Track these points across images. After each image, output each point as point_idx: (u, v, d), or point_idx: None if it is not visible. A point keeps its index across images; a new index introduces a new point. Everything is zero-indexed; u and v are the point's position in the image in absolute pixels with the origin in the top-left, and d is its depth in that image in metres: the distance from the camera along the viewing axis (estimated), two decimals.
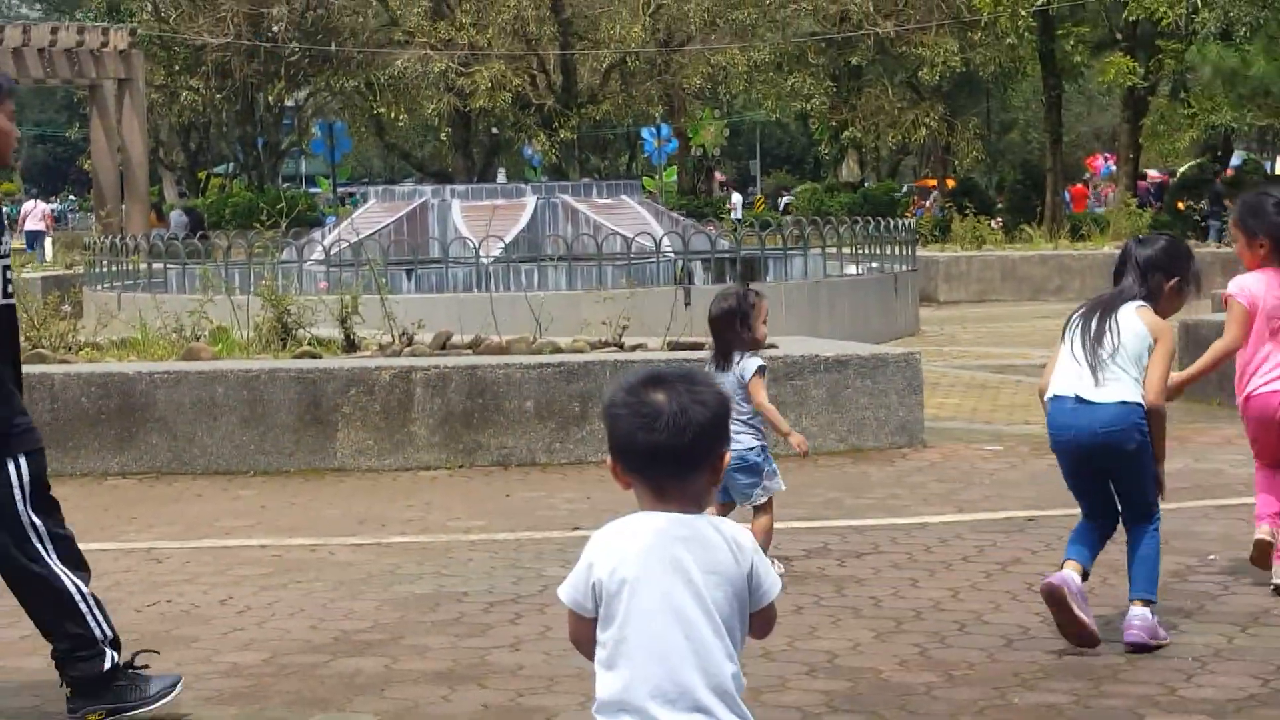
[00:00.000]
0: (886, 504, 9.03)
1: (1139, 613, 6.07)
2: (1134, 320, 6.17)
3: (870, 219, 23.68)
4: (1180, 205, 35.43)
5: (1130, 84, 36.44)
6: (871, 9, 42.44)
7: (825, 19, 44.35)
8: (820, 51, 45.25)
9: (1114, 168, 45.07)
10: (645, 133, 54.92)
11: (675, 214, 26.62)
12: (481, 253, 19.86)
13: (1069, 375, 6.17)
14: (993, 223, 33.42)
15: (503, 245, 20.76)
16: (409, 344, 11.77)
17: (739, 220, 38.60)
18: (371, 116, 49.38)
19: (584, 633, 3.39)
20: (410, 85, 46.21)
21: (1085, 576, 6.08)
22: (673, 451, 3.29)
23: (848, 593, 7.05)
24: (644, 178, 52.66)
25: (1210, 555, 7.58)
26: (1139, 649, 6.01)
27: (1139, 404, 6.09)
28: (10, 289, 5.54)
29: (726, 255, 21.14)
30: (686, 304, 16.95)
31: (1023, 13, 35.93)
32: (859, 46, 43.86)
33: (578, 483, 9.75)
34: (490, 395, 10.61)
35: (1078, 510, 8.52)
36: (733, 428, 6.94)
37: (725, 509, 7.11)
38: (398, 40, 46.41)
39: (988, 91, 53.88)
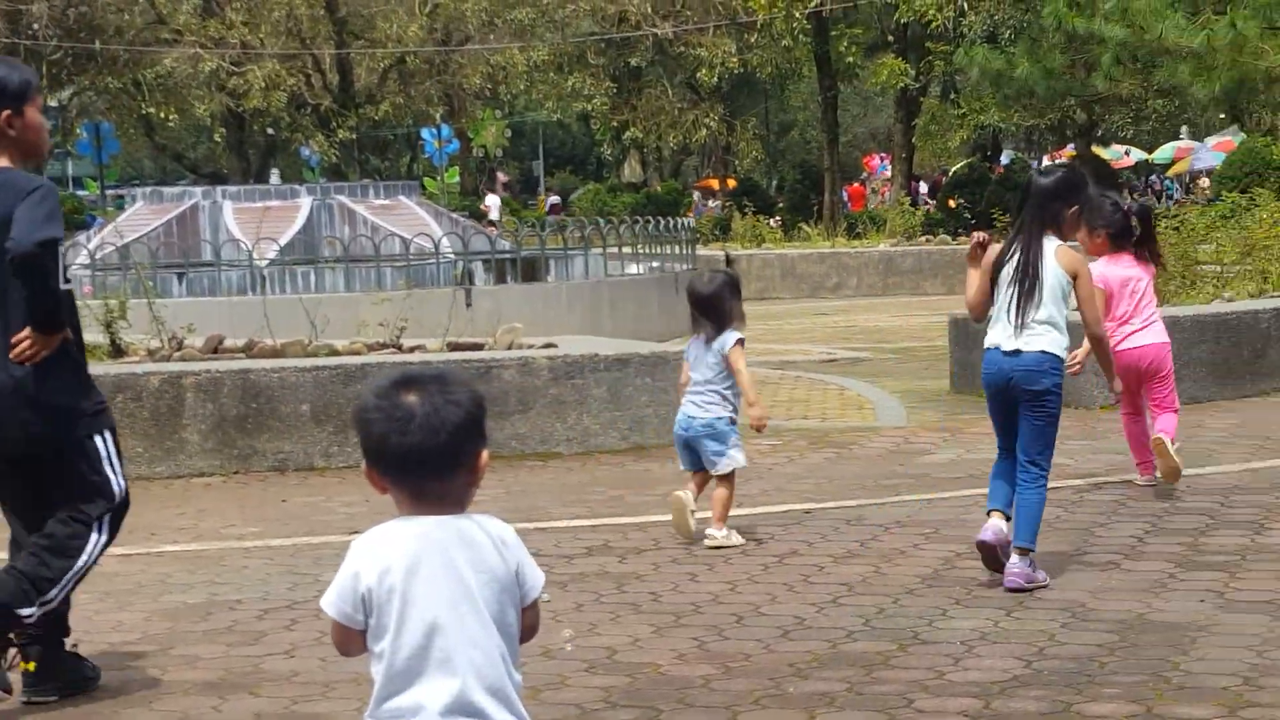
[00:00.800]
0: (668, 501, 9.04)
1: (1016, 561, 6.78)
2: (1053, 264, 6.88)
3: (651, 219, 23.81)
4: (951, 203, 36.15)
5: (902, 85, 37.17)
6: (650, 10, 42.71)
7: (604, 19, 44.53)
8: (600, 52, 45.44)
9: (889, 167, 45.88)
10: (426, 133, 54.58)
11: (456, 215, 26.49)
12: (255, 255, 19.55)
13: (1001, 332, 6.99)
14: (771, 221, 33.82)
15: (277, 248, 20.47)
16: (179, 349, 11.52)
17: (495, 222, 38.57)
18: (140, 117, 48.37)
19: (353, 643, 3.34)
20: (180, 85, 45.38)
21: (1008, 517, 6.95)
22: (428, 453, 3.25)
23: (628, 589, 7.07)
24: (425, 179, 52.33)
25: None
26: (1017, 591, 6.67)
27: (1056, 355, 6.93)
28: (68, 275, 5.71)
29: (507, 256, 21.09)
30: (468, 304, 16.87)
31: (797, 15, 36.44)
32: (638, 47, 44.12)
33: (356, 486, 9.62)
34: (265, 399, 10.45)
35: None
36: (706, 398, 7.79)
37: (702, 478, 7.88)
38: (165, 38, 45.49)
39: (766, 92, 54.59)
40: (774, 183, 53.82)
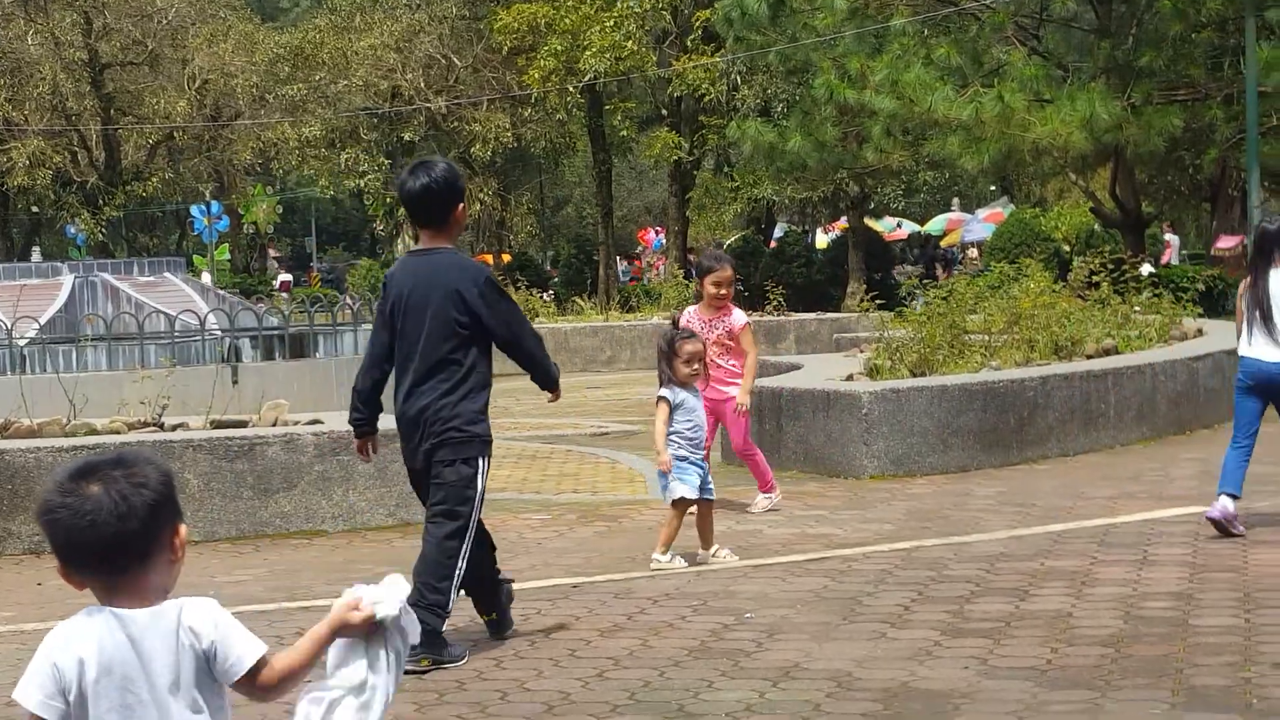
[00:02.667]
0: None
1: (1224, 502, 8.97)
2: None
3: None
4: None
5: (677, 158, 37.47)
6: (423, 85, 42.58)
7: (377, 95, 44.27)
8: (373, 127, 45.14)
9: (664, 240, 46.21)
10: (195, 210, 53.69)
11: (224, 292, 25.99)
12: (15, 334, 18.94)
13: (1259, 343, 9.09)
14: (544, 296, 33.78)
15: (37, 326, 19.86)
16: None
17: (287, 296, 38.03)
18: None
19: None
20: None
21: (1235, 498, 8.98)
22: (121, 544, 3.08)
23: None
24: (195, 256, 51.42)
25: (747, 613, 7.67)
26: (1216, 525, 8.94)
27: None
28: None
29: (275, 332, 20.70)
30: (234, 381, 16.49)
31: (571, 89, 36.61)
32: (411, 122, 43.91)
33: None
34: (20, 480, 10.09)
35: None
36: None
37: (702, 504, 8.95)
38: None
39: (540, 167, 54.68)
40: (549, 257, 53.91)
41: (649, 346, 27.30)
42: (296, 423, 11.26)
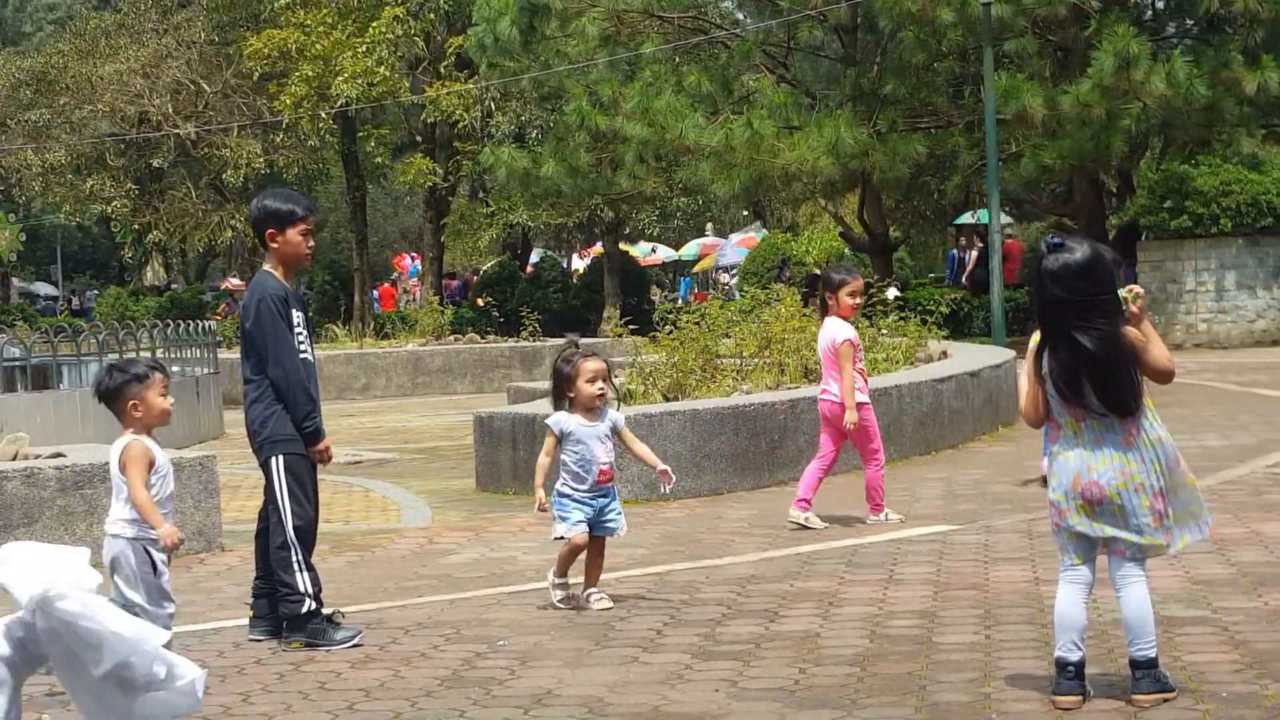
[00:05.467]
0: (181, 611, 8.65)
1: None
2: None
3: (173, 322, 23.11)
4: (480, 301, 36.41)
5: (431, 184, 37.31)
6: (171, 110, 41.78)
7: (124, 120, 43.32)
8: (120, 153, 44.15)
9: (420, 266, 45.96)
10: None
11: None
12: None
13: None
14: None
15: None
16: None
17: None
18: None
19: None
20: None
21: None
22: None
23: None
24: None
25: (500, 641, 7.64)
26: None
27: None
28: None
29: (17, 363, 20.10)
30: None
31: (324, 115, 36.22)
32: (160, 148, 43.04)
33: None
34: None
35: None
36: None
37: (592, 541, 8.35)
38: None
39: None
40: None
41: (404, 373, 27.13)
42: (38, 456, 10.94)
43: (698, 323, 15.46)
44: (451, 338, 30.07)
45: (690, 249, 58.12)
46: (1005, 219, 41.61)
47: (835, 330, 10.60)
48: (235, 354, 27.79)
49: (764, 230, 49.88)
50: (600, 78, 28.00)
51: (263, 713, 6.52)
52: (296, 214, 7.89)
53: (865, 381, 10.96)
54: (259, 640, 7.84)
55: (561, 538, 8.32)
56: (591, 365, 8.35)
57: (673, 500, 11.97)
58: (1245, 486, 11.47)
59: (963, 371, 15.14)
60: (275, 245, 7.90)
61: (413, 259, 55.45)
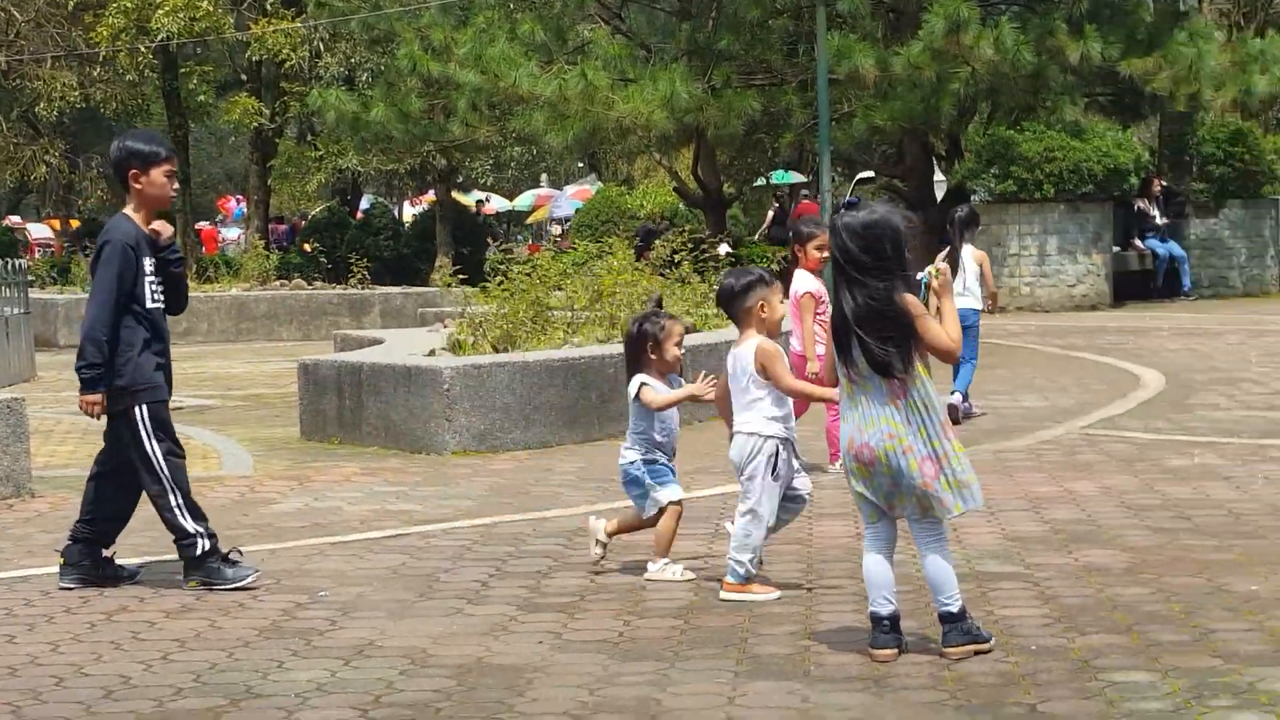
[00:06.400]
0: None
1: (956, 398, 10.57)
2: None
3: None
4: (308, 247, 35.90)
5: (257, 125, 36.64)
6: None
7: None
8: None
9: (246, 209, 45.25)
10: None
11: None
12: None
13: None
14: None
15: None
16: None
17: None
18: None
19: None
20: None
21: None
22: None
23: None
24: None
25: (321, 591, 7.55)
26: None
27: None
28: None
29: None
30: None
31: (143, 49, 35.33)
32: None
33: None
34: None
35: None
36: (626, 442, 7.89)
37: (645, 521, 7.78)
38: None
39: (112, 129, 52.77)
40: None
41: (227, 318, 26.70)
42: None
43: (529, 274, 15.39)
44: (278, 283, 29.64)
45: (525, 199, 57.89)
46: (799, 179, 42.05)
47: (799, 283, 10.71)
48: (50, 295, 27.19)
49: (599, 183, 49.82)
50: (432, 22, 27.67)
51: (72, 663, 6.38)
52: (160, 155, 7.84)
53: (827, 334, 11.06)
54: (69, 589, 7.68)
55: (675, 502, 7.77)
56: (679, 328, 7.95)
57: (501, 452, 11.92)
58: (1061, 446, 11.70)
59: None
60: (139, 186, 7.83)
61: (238, 201, 54.61)
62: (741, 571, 7.19)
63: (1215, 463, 10.75)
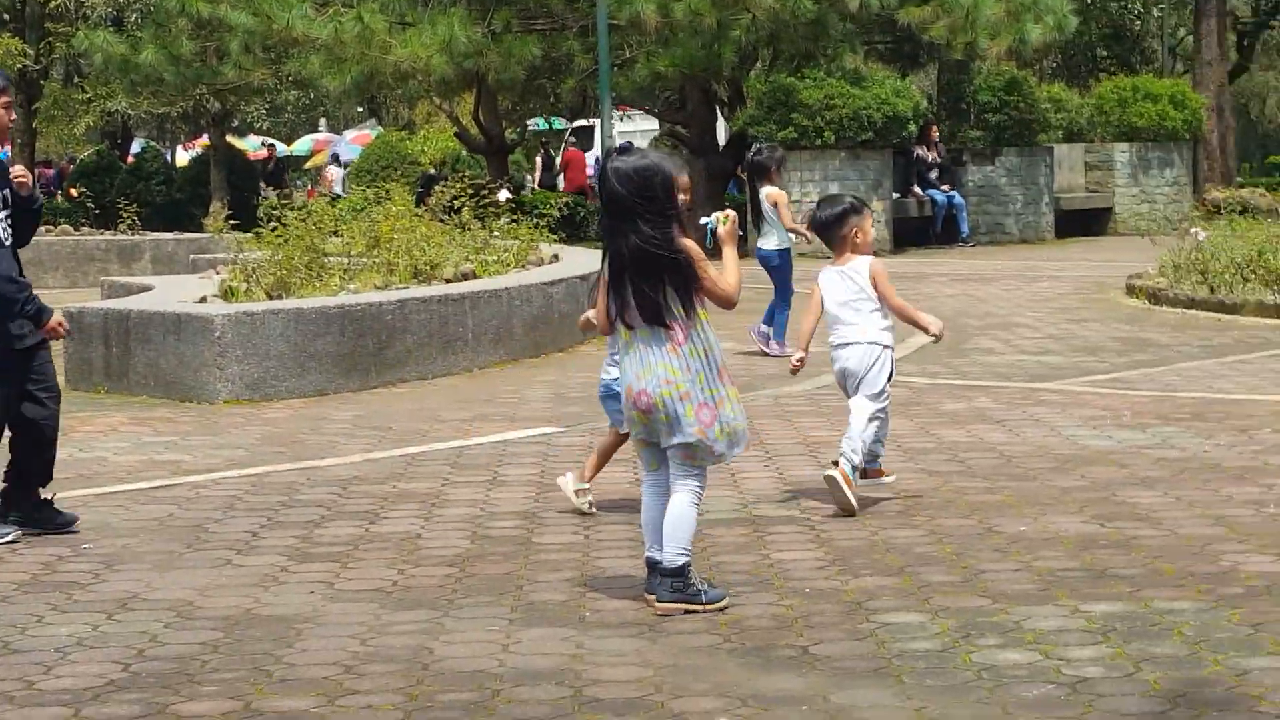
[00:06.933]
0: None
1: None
2: None
3: None
4: (74, 192, 34.90)
5: (21, 66, 35.48)
6: None
7: None
8: None
9: (9, 152, 43.84)
10: None
11: None
12: None
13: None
14: None
15: None
16: None
17: None
18: None
19: None
20: None
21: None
22: None
23: None
24: None
25: (85, 544, 7.32)
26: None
27: None
28: None
29: None
30: None
31: None
32: None
33: None
34: None
35: None
36: (609, 360, 7.54)
37: (623, 437, 7.55)
38: None
39: None
40: None
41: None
42: None
43: (304, 220, 15.11)
44: (43, 229, 28.75)
45: (303, 144, 57.01)
46: (565, 126, 41.89)
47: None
48: None
49: (379, 127, 49.24)
50: None
51: None
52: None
53: None
54: None
55: None
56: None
57: (275, 401, 11.70)
58: (840, 391, 11.79)
59: (573, 275, 15.17)
60: None
61: (2, 145, 52.92)
62: (872, 457, 7.97)
63: (988, 406, 10.94)
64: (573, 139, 40.92)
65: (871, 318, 7.92)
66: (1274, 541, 6.93)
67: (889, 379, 7.96)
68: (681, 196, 6.14)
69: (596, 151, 42.26)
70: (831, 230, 8.00)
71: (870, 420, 7.87)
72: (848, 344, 7.94)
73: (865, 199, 26.00)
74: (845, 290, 7.94)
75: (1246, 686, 5.06)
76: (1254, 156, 61.72)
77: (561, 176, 38.54)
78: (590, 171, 37.06)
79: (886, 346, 7.94)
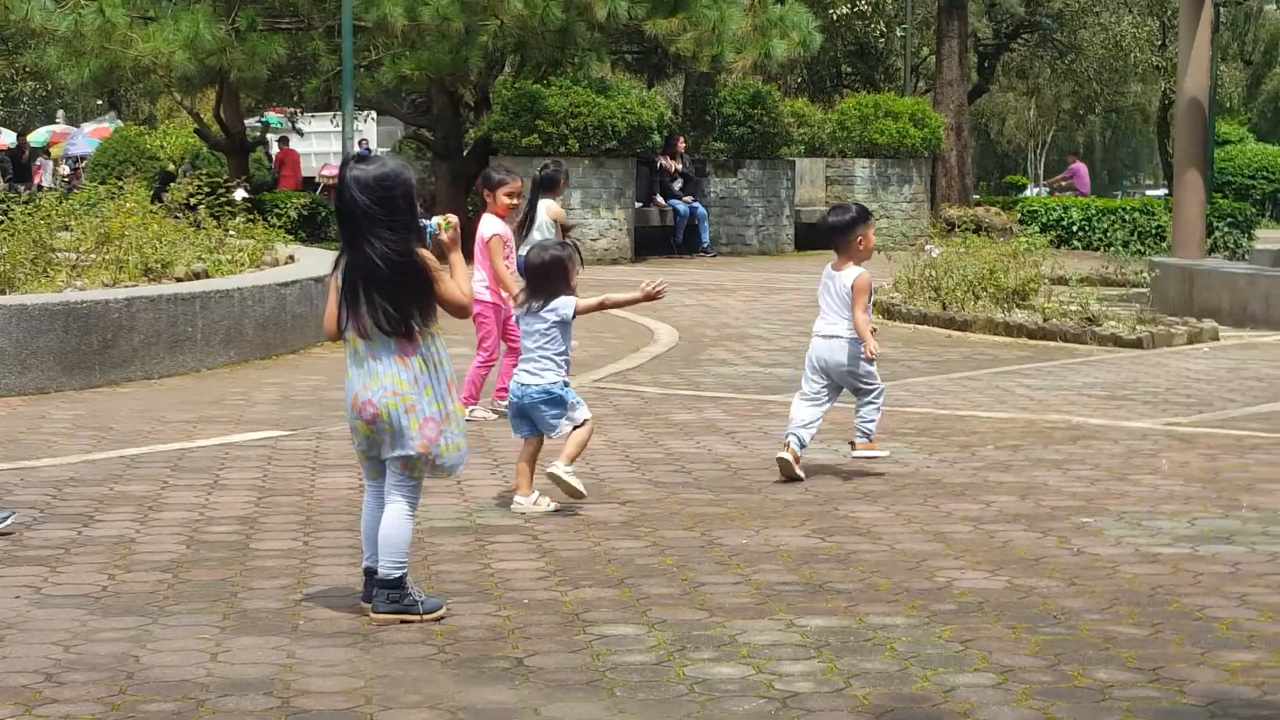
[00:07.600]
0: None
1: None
2: None
3: None
4: None
5: None
6: None
7: None
8: None
9: None
10: None
11: None
12: None
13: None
14: None
15: None
16: None
17: None
18: None
19: None
20: None
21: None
22: None
23: None
24: None
25: None
26: None
27: None
28: None
29: None
30: None
31: None
32: None
33: None
34: None
35: None
36: (538, 365, 7.91)
37: (536, 442, 7.97)
38: None
39: None
40: None
41: None
42: None
43: (31, 214, 14.68)
44: None
45: (40, 135, 55.38)
46: (280, 125, 41.16)
47: (486, 227, 10.77)
48: None
49: (119, 121, 48.06)
50: None
51: None
52: None
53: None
54: None
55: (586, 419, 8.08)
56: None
57: None
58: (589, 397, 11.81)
59: (308, 276, 14.97)
60: None
61: None
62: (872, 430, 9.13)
63: (719, 417, 11.06)
64: (286, 138, 39.36)
65: (845, 323, 8.88)
66: (988, 558, 7.10)
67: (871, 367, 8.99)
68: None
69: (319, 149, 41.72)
70: (839, 237, 8.83)
71: (871, 404, 9.05)
72: (822, 336, 8.96)
73: (609, 204, 26.57)
74: (829, 300, 8.94)
75: (953, 703, 5.16)
76: (992, 175, 63.59)
77: (277, 175, 37.61)
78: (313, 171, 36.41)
79: (854, 340, 8.86)
